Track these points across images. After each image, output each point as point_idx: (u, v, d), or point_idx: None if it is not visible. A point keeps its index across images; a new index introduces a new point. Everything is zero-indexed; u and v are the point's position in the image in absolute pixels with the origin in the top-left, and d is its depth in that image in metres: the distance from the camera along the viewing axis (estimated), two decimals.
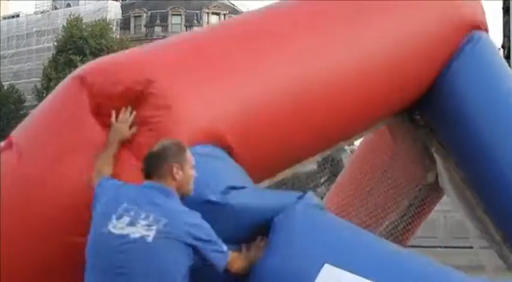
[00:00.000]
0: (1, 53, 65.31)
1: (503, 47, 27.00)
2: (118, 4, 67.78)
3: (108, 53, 55.67)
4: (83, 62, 54.38)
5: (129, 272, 3.12)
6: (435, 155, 5.20)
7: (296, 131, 4.24)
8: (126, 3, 69.00)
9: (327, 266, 3.41)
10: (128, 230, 3.14)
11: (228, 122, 3.87)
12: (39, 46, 65.12)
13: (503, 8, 25.71)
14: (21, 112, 62.11)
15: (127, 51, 4.53)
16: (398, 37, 4.68)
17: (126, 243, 3.12)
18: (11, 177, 3.85)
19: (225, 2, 70.07)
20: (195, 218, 3.27)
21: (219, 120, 3.84)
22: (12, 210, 3.73)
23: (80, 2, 68.39)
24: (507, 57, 25.58)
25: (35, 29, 66.65)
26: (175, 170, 3.32)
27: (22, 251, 3.66)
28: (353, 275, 3.38)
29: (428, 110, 5.10)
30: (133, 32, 66.59)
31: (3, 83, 62.00)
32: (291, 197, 3.72)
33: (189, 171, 3.37)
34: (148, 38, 66.77)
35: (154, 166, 3.33)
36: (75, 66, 57.23)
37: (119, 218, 3.17)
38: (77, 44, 55.30)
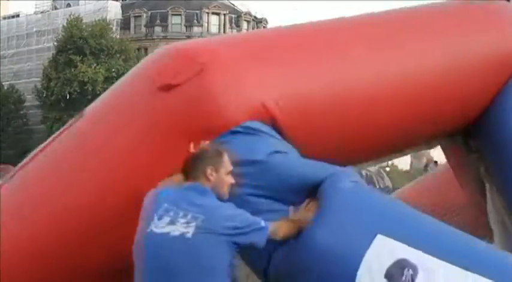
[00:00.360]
0: (1, 53, 65.30)
1: None
2: (118, 4, 67.76)
3: (108, 53, 55.86)
4: (83, 62, 54.52)
5: (173, 268, 3.31)
6: (484, 180, 5.23)
7: (351, 129, 4.40)
8: (126, 3, 68.98)
9: (379, 237, 3.44)
10: (168, 229, 3.36)
11: (283, 105, 4.08)
12: (39, 46, 65.11)
13: None
14: (21, 112, 62.19)
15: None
16: (460, 56, 4.84)
17: (168, 240, 3.33)
18: None
19: (225, 2, 70.03)
20: (229, 209, 3.47)
21: (273, 101, 4.06)
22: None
23: (80, 2, 68.35)
24: None
25: (35, 29, 66.64)
26: (209, 171, 3.54)
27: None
28: (406, 246, 3.40)
29: (479, 135, 5.16)
30: (133, 32, 66.58)
31: (3, 83, 61.97)
32: (335, 168, 3.84)
33: (224, 175, 3.59)
34: (149, 38, 66.87)
35: (191, 167, 3.58)
36: (75, 66, 57.50)
37: (160, 218, 3.38)
38: (77, 44, 55.28)
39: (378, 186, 21.75)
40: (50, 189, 4.17)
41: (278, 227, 3.54)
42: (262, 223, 3.48)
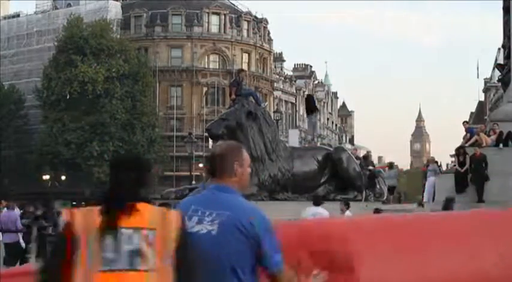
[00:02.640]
0: (1, 53, 65.33)
1: (503, 47, 26.96)
2: (118, 4, 67.78)
3: (108, 53, 55.86)
4: (83, 62, 54.53)
5: (203, 264, 3.44)
6: None
7: None
8: (127, 3, 68.99)
9: None
10: (197, 228, 3.55)
11: None
12: (40, 46, 65.11)
13: (503, 8, 25.65)
14: (21, 112, 62.23)
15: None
16: None
17: (197, 238, 3.49)
18: None
19: (225, 2, 70.03)
20: (255, 210, 3.60)
21: None
22: None
23: (80, 1, 68.36)
24: (507, 58, 25.52)
25: (35, 29, 66.65)
26: (236, 166, 3.70)
27: None
28: None
29: None
30: (133, 32, 66.59)
31: (3, 83, 62.00)
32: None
33: (246, 168, 3.76)
34: (149, 38, 66.94)
35: (218, 164, 3.73)
36: (76, 66, 57.44)
37: (189, 219, 3.56)
38: (77, 44, 55.30)
39: (378, 186, 21.86)
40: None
41: (287, 275, 3.62)
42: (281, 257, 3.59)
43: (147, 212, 3.38)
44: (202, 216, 3.57)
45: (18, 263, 17.46)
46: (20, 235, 17.36)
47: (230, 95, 20.35)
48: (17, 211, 20.01)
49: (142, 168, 3.54)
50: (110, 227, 3.31)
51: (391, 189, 24.38)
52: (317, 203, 16.63)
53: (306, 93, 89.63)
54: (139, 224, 3.34)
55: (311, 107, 25.04)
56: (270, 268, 3.52)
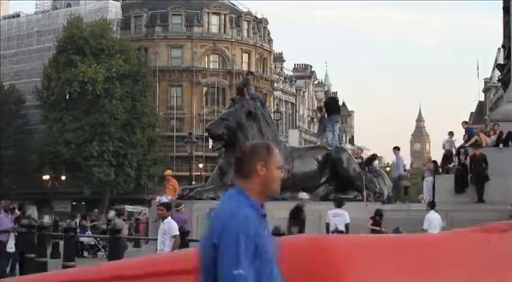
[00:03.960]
0: (1, 53, 65.32)
1: (503, 47, 26.98)
2: (118, 4, 67.78)
3: (108, 53, 55.83)
4: (83, 62, 54.54)
5: (200, 267, 3.49)
6: None
7: None
8: (127, 3, 68.99)
9: None
10: (201, 240, 3.55)
11: None
12: (40, 46, 65.14)
13: (503, 8, 25.68)
14: (22, 112, 62.24)
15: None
16: None
17: (203, 245, 3.48)
18: None
19: (225, 2, 70.03)
20: (226, 219, 3.43)
21: None
22: None
23: (80, 2, 68.40)
24: (507, 58, 25.55)
25: (35, 29, 66.68)
26: (259, 167, 3.56)
27: None
28: None
29: None
30: (133, 32, 66.58)
31: (3, 83, 62.01)
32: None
33: (274, 170, 3.61)
34: (149, 38, 66.94)
35: (241, 164, 3.62)
36: (76, 66, 57.39)
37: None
38: (77, 44, 55.30)
39: (378, 186, 21.88)
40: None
41: None
42: (240, 270, 3.31)
43: None
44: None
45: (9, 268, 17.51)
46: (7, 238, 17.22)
47: (243, 95, 20.20)
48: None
49: None
50: None
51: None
52: (339, 204, 17.10)
53: (306, 93, 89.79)
54: None
55: (333, 109, 22.50)
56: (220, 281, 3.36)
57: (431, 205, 17.76)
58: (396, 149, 24.91)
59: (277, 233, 16.10)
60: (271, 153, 3.64)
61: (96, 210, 39.36)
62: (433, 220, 17.10)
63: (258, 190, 3.57)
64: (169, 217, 11.92)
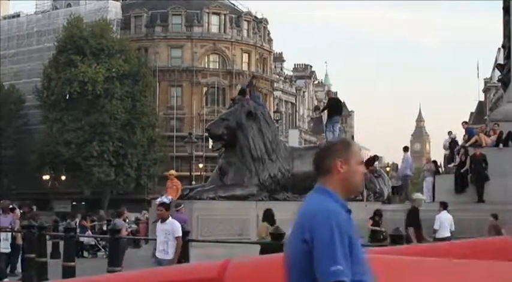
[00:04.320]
0: (1, 53, 65.36)
1: (503, 47, 26.96)
2: (118, 4, 67.78)
3: (108, 53, 55.85)
4: (83, 62, 54.56)
5: (287, 266, 3.46)
6: None
7: None
8: (127, 3, 69.00)
9: None
10: (289, 237, 3.55)
11: None
12: (40, 46, 65.15)
13: (503, 8, 25.66)
14: (22, 112, 62.25)
15: None
16: None
17: (287, 247, 3.52)
18: None
19: (225, 2, 70.03)
20: (316, 215, 3.39)
21: None
22: None
23: (80, 2, 68.42)
24: (507, 58, 25.53)
25: (35, 29, 66.69)
26: (339, 164, 3.52)
27: None
28: None
29: None
30: (133, 32, 66.59)
31: (3, 83, 62.03)
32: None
33: (355, 166, 3.55)
34: (149, 38, 66.94)
35: (321, 161, 3.57)
36: (76, 66, 57.36)
37: (290, 227, 3.54)
38: (77, 44, 55.33)
39: (378, 186, 21.87)
40: None
41: None
42: (342, 275, 3.25)
43: None
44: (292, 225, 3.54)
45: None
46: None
47: (245, 95, 20.17)
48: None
49: None
50: None
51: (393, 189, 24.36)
52: None
53: (306, 93, 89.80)
54: None
55: (334, 109, 22.37)
56: (319, 279, 3.29)
57: (444, 205, 17.63)
58: (405, 149, 25.90)
59: None
60: (351, 149, 3.58)
61: (102, 211, 38.49)
62: (445, 220, 17.07)
63: (339, 187, 3.52)
64: (171, 218, 11.93)
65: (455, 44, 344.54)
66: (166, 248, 11.56)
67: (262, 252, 11.43)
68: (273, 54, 76.81)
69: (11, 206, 19.10)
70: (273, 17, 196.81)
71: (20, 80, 64.47)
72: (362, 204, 19.63)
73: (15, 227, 17.86)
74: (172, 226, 11.63)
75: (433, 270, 4.63)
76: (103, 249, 25.50)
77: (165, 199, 17.76)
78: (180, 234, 11.66)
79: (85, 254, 26.25)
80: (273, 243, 11.43)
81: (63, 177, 58.34)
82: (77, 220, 29.53)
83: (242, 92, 20.72)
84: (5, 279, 16.65)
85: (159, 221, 11.98)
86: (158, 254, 11.76)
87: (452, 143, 24.12)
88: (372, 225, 17.82)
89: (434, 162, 25.21)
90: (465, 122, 25.09)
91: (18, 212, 20.10)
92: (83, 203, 59.49)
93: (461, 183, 20.82)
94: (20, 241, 17.39)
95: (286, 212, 16.23)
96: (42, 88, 57.03)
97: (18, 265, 17.70)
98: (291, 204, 17.87)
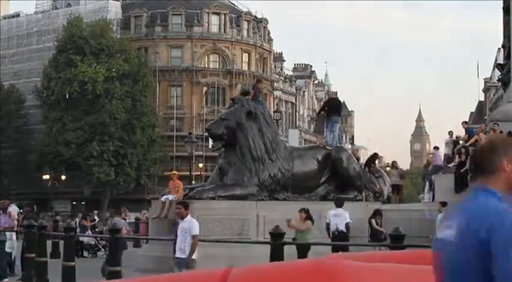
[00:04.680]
0: (1, 52, 65.35)
1: (503, 47, 27.00)
2: (118, 4, 67.78)
3: (108, 52, 55.84)
4: (83, 61, 54.56)
5: (446, 268, 3.32)
6: None
7: None
8: (127, 3, 68.99)
9: None
10: (444, 234, 3.37)
11: None
12: (40, 46, 65.14)
13: (503, 8, 25.70)
14: (21, 112, 62.25)
15: None
16: None
17: (443, 244, 3.34)
18: None
19: (225, 2, 70.03)
20: (498, 217, 3.20)
21: None
22: None
23: (80, 1, 68.40)
24: (507, 58, 25.56)
25: (35, 29, 66.67)
26: (506, 163, 3.33)
27: None
28: None
29: None
30: (133, 32, 66.59)
31: (3, 83, 62.01)
32: None
33: None
34: (149, 38, 66.95)
35: (483, 160, 3.39)
36: (75, 66, 57.39)
37: (443, 224, 3.41)
38: (77, 44, 55.32)
39: (378, 186, 21.87)
40: None
41: None
42: None
43: None
44: (451, 222, 3.34)
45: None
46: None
47: (253, 98, 20.13)
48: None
49: None
50: None
51: (394, 188, 24.36)
52: (339, 204, 17.19)
53: (306, 93, 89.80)
54: None
55: (334, 109, 22.23)
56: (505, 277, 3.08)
57: (444, 205, 17.60)
58: (435, 148, 27.39)
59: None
60: None
61: (108, 214, 37.69)
62: None
63: (503, 186, 3.33)
64: (189, 216, 12.01)
65: (456, 44, 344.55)
66: (184, 247, 11.65)
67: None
68: (273, 54, 76.82)
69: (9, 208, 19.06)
70: (273, 17, 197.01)
71: (20, 80, 64.45)
72: (362, 204, 19.65)
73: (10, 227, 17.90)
74: (190, 224, 11.80)
75: None
76: (103, 249, 25.51)
77: (170, 197, 17.85)
78: (197, 232, 11.79)
79: (85, 253, 26.26)
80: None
81: (63, 177, 58.34)
82: (77, 220, 29.53)
83: (245, 94, 20.72)
84: (5, 280, 16.64)
85: (179, 219, 12.11)
86: (178, 253, 11.85)
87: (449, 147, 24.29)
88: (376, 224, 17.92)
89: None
90: (465, 122, 25.12)
91: (14, 212, 19.95)
92: (83, 202, 59.49)
93: (461, 183, 20.82)
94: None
95: (286, 212, 16.28)
96: (42, 88, 57.03)
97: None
98: (291, 204, 17.89)
